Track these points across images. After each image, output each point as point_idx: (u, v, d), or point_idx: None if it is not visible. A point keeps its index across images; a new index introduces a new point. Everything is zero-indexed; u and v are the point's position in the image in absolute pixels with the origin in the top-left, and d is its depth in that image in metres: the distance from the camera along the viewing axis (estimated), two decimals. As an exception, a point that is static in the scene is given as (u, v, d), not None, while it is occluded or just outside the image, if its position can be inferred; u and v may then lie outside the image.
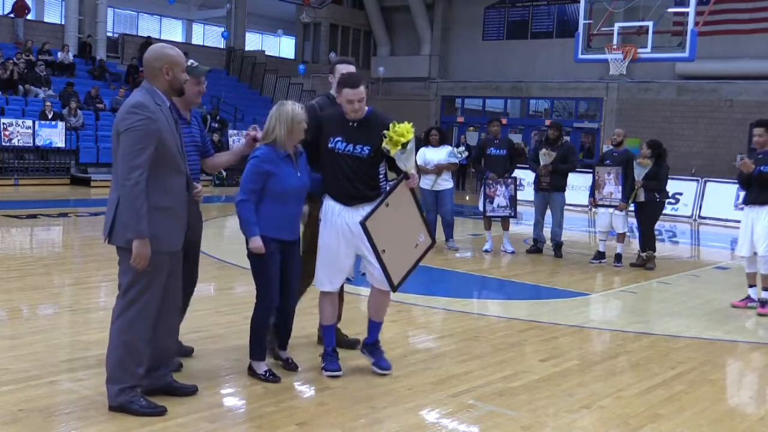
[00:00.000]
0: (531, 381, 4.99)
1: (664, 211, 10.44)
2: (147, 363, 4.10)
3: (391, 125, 4.66)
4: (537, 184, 10.54)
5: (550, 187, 10.38)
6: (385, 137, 4.65)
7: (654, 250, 9.96)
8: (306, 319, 5.65)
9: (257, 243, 4.50)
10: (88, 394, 4.28)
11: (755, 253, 7.45)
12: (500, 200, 10.51)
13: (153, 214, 3.85)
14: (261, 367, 4.73)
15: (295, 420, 4.10)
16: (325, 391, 4.62)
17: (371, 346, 5.07)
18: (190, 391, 4.32)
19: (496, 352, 5.66)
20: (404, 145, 4.62)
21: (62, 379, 4.53)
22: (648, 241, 9.93)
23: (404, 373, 5.00)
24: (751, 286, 7.65)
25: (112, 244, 3.98)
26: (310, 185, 4.80)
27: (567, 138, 14.99)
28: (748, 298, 7.66)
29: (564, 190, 10.53)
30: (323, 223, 4.91)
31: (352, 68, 5.17)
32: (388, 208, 4.69)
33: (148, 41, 26.04)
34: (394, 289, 4.80)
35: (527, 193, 12.01)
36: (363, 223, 4.64)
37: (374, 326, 5.07)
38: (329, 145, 4.81)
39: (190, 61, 4.59)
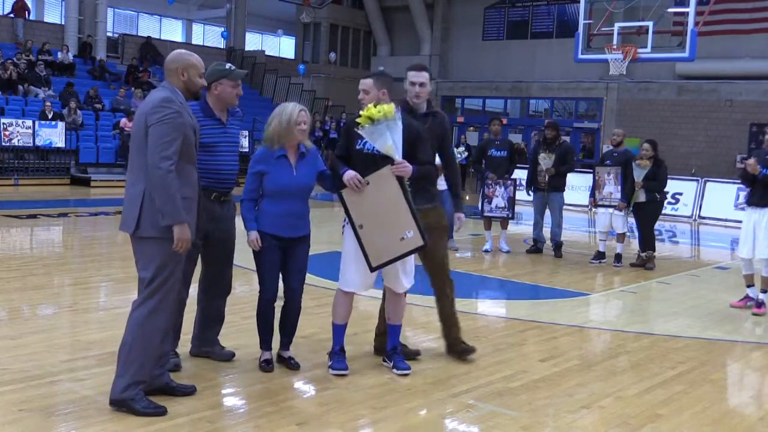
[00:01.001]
0: (531, 381, 4.99)
1: (663, 211, 10.44)
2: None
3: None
4: (535, 184, 10.55)
5: (549, 188, 10.39)
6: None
7: (654, 250, 9.96)
8: (305, 319, 5.64)
9: (251, 237, 4.70)
10: (88, 394, 4.27)
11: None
12: (498, 201, 10.52)
13: None
14: (263, 355, 4.87)
15: (295, 420, 4.10)
16: (325, 391, 4.61)
17: (389, 352, 5.06)
18: (189, 392, 4.33)
19: (496, 352, 5.66)
20: (371, 120, 4.66)
21: (62, 379, 4.53)
22: (648, 241, 9.93)
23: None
24: (749, 285, 7.65)
25: (139, 235, 4.01)
26: (325, 183, 4.87)
27: (566, 138, 14.99)
28: (747, 298, 7.65)
29: (563, 191, 10.54)
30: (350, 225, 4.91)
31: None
32: (369, 186, 4.72)
33: (148, 41, 26.09)
34: (372, 269, 4.77)
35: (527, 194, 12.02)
36: (339, 190, 4.75)
37: (391, 330, 5.07)
38: (357, 147, 4.86)
39: (228, 65, 4.88)
